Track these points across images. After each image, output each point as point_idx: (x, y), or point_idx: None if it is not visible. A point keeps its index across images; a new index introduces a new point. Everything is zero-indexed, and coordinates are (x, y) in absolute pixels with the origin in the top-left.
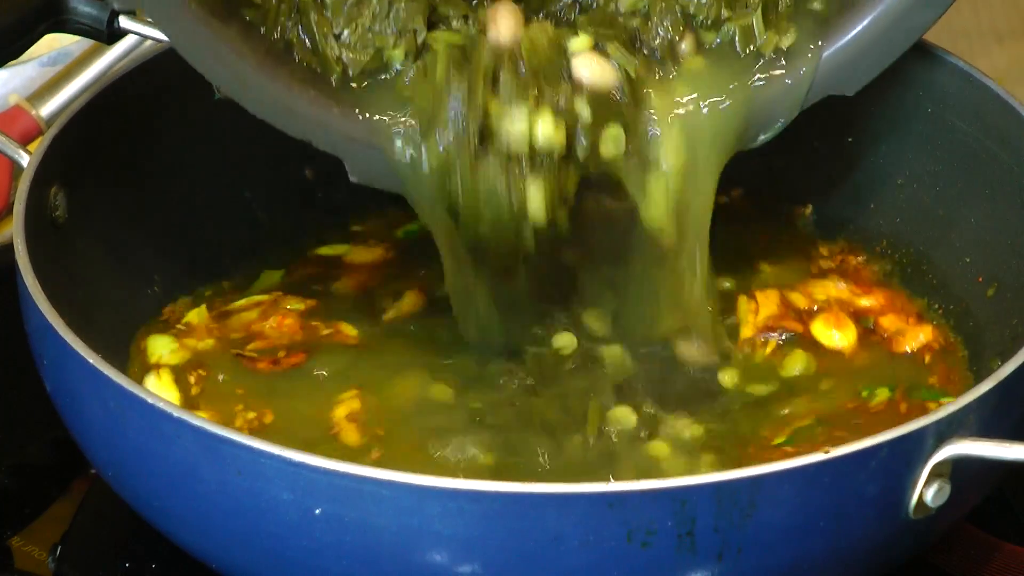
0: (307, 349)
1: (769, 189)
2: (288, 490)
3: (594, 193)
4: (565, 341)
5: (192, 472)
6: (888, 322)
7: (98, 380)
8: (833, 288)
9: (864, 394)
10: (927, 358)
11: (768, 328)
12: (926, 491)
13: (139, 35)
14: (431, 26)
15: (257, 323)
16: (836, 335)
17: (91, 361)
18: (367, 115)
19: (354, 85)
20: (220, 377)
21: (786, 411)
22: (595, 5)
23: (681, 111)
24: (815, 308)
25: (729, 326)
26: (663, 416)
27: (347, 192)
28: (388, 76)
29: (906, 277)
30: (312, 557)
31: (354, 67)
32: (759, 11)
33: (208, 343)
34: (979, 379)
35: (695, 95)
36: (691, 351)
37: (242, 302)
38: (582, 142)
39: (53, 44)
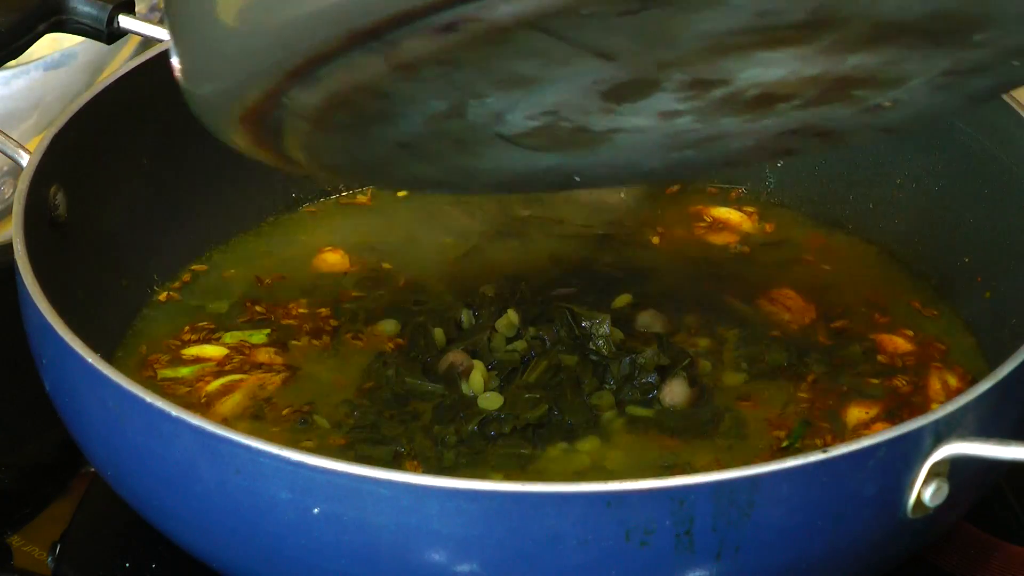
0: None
1: (768, 190)
2: (286, 489)
3: None
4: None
5: (191, 471)
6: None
7: (97, 380)
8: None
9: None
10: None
11: None
12: (924, 491)
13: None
14: None
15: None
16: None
17: (90, 361)
18: None
19: None
20: None
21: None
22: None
23: None
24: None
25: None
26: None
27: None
28: None
29: (905, 277)
30: (311, 556)
31: None
32: None
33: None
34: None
35: None
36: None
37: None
38: None
39: (56, 45)
